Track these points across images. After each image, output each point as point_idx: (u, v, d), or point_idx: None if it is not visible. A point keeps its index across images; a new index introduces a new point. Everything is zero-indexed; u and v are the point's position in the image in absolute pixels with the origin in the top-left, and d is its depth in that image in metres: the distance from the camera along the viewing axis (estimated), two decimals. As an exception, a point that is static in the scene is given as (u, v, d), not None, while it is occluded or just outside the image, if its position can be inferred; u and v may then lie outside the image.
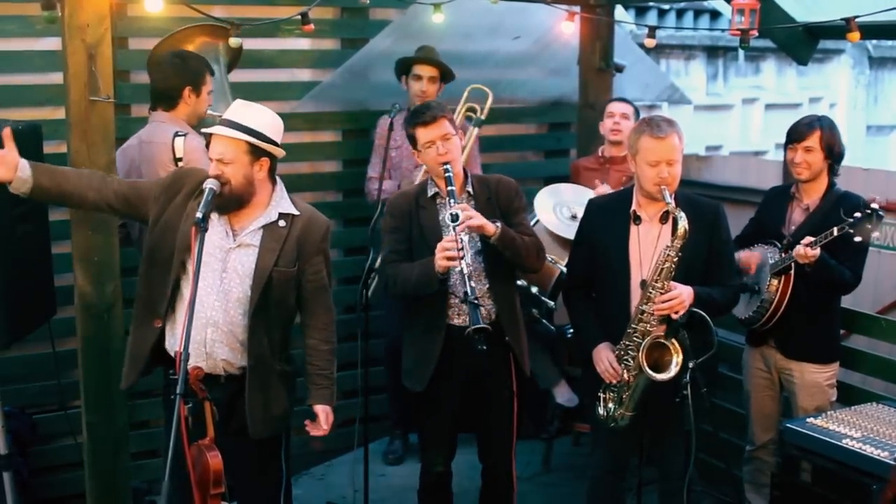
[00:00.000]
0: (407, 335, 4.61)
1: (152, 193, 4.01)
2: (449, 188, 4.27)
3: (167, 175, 4.14)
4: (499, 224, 4.23)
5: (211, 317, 3.90)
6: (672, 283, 4.11)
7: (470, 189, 4.42)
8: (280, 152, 3.93)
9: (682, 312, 4.11)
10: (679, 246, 4.08)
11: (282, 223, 3.96)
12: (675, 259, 4.09)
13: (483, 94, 5.71)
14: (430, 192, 4.44)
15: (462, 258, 4.12)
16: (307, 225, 4.00)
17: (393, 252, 4.44)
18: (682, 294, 4.11)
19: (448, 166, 4.29)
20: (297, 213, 4.00)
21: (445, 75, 5.80)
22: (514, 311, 4.49)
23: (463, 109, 5.70)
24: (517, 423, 4.54)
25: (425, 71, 5.75)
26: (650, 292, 4.14)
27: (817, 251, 4.47)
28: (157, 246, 3.97)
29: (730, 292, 4.39)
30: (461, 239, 4.13)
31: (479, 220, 4.19)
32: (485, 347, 4.11)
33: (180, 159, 4.64)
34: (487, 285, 4.38)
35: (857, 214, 4.37)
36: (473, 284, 4.16)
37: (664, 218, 4.27)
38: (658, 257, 4.14)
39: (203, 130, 3.89)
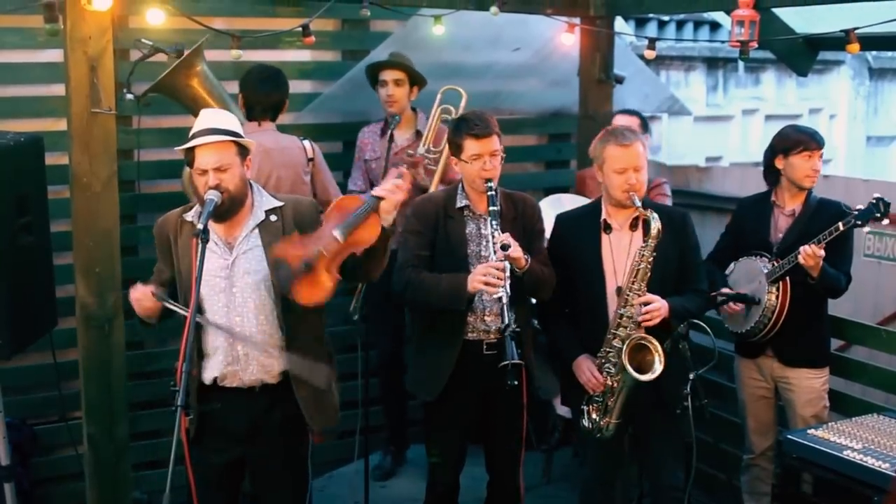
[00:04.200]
0: (419, 344, 4.59)
1: (159, 265, 4.07)
2: (492, 208, 4.22)
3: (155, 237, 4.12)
4: (528, 257, 4.22)
5: (238, 333, 3.92)
6: (646, 292, 4.16)
7: (497, 207, 4.33)
8: (252, 145, 3.96)
9: (656, 321, 4.13)
10: (654, 246, 4.13)
11: (273, 217, 3.98)
12: (651, 260, 4.14)
13: (457, 95, 5.66)
14: (460, 203, 4.39)
15: (503, 289, 4.10)
16: (297, 208, 4.03)
17: (416, 257, 4.37)
18: (658, 300, 4.15)
19: (491, 184, 4.26)
20: (281, 203, 4.02)
21: (415, 79, 5.73)
22: (527, 327, 4.49)
23: (438, 112, 5.66)
24: (525, 435, 4.54)
25: (388, 75, 5.66)
26: (628, 295, 4.18)
27: (823, 253, 4.50)
28: (182, 295, 3.97)
29: (701, 299, 4.45)
30: (505, 265, 4.11)
31: (519, 251, 4.16)
32: (516, 382, 4.06)
33: (311, 159, 5.09)
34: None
35: (860, 207, 4.43)
36: (512, 314, 4.11)
37: (634, 225, 4.32)
38: (633, 259, 4.19)
39: (190, 144, 3.82)
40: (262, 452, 4.05)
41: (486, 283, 4.09)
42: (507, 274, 4.10)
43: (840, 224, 4.47)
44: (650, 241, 4.13)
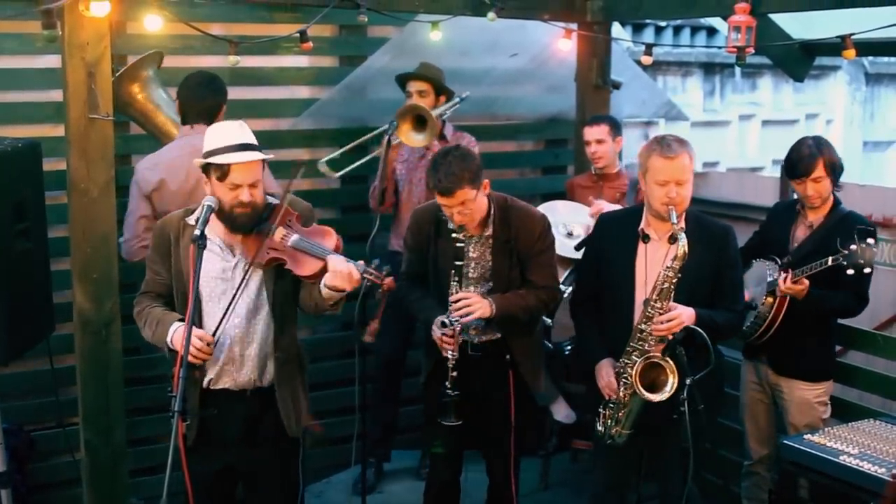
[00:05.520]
0: (426, 336, 4.66)
1: (155, 265, 4.05)
2: (457, 262, 4.29)
3: (151, 239, 4.14)
4: (495, 310, 4.26)
5: (236, 335, 3.94)
6: (672, 304, 4.11)
7: (489, 229, 4.38)
8: (271, 156, 3.98)
9: (676, 330, 4.11)
10: (678, 267, 4.06)
11: None
12: (675, 280, 4.07)
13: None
14: (452, 224, 4.37)
15: (450, 353, 4.23)
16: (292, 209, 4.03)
17: (409, 273, 4.55)
18: (682, 315, 4.10)
19: (460, 234, 4.28)
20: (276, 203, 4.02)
21: (441, 89, 5.76)
22: (521, 332, 4.50)
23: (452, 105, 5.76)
24: (519, 442, 4.55)
25: (413, 86, 5.71)
26: (649, 311, 4.14)
27: (804, 285, 4.49)
28: (179, 297, 3.99)
29: (733, 316, 4.35)
30: (456, 328, 4.24)
31: (477, 312, 4.23)
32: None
33: None
34: (484, 323, 4.42)
35: (853, 247, 4.37)
36: (455, 375, 4.25)
37: (673, 238, 4.16)
38: (658, 277, 4.13)
39: (231, 160, 3.81)
40: (253, 458, 4.06)
41: (439, 343, 4.24)
42: (458, 339, 4.25)
43: (829, 259, 4.44)
44: (675, 262, 4.05)
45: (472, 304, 4.23)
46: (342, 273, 3.75)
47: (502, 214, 4.40)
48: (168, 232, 4.00)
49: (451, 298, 4.25)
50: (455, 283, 4.29)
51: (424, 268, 4.48)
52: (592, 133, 5.83)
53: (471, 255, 4.39)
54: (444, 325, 4.23)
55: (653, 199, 4.19)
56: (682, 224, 4.14)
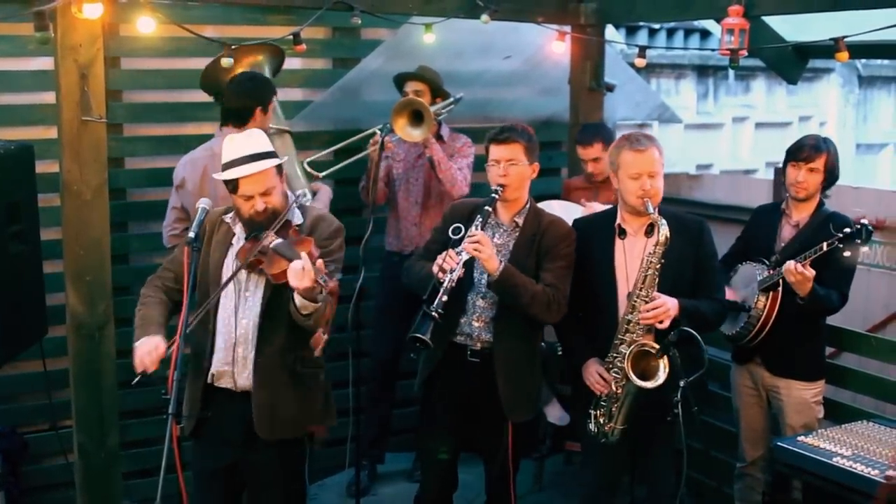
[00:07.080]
0: None
1: (181, 258, 4.02)
2: (485, 208, 4.27)
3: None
4: (501, 269, 4.17)
5: (241, 334, 3.94)
6: (656, 293, 4.17)
7: (520, 220, 4.39)
8: (285, 161, 4.00)
9: (667, 322, 4.14)
10: (661, 253, 4.14)
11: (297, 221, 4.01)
12: (658, 266, 4.15)
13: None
14: (487, 209, 4.38)
15: (449, 275, 4.11)
16: (314, 225, 4.04)
17: (426, 249, 4.52)
18: (667, 303, 4.15)
19: (499, 189, 4.29)
20: (300, 221, 4.01)
21: (437, 91, 5.78)
22: (514, 350, 4.40)
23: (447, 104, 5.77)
24: (516, 449, 4.49)
25: (410, 87, 5.73)
26: (635, 301, 4.19)
27: (811, 271, 4.49)
28: (200, 287, 3.97)
29: (717, 306, 4.42)
30: (461, 258, 4.14)
31: (485, 253, 4.14)
32: (413, 356, 4.19)
33: None
34: (493, 314, 4.36)
35: (847, 230, 4.40)
36: (445, 299, 4.11)
37: (649, 231, 4.32)
38: (641, 265, 4.20)
39: (234, 175, 3.83)
40: (256, 461, 4.04)
41: (440, 269, 4.14)
42: (460, 263, 4.12)
43: (824, 245, 4.46)
44: (658, 248, 4.14)
45: (484, 244, 4.14)
46: (295, 269, 3.64)
47: (536, 213, 4.44)
48: (205, 225, 4.02)
49: (470, 232, 4.18)
50: (478, 224, 4.23)
51: (444, 247, 4.33)
52: (588, 154, 5.86)
53: (495, 241, 4.36)
54: (455, 245, 4.19)
55: (627, 193, 4.28)
56: (656, 213, 4.20)
